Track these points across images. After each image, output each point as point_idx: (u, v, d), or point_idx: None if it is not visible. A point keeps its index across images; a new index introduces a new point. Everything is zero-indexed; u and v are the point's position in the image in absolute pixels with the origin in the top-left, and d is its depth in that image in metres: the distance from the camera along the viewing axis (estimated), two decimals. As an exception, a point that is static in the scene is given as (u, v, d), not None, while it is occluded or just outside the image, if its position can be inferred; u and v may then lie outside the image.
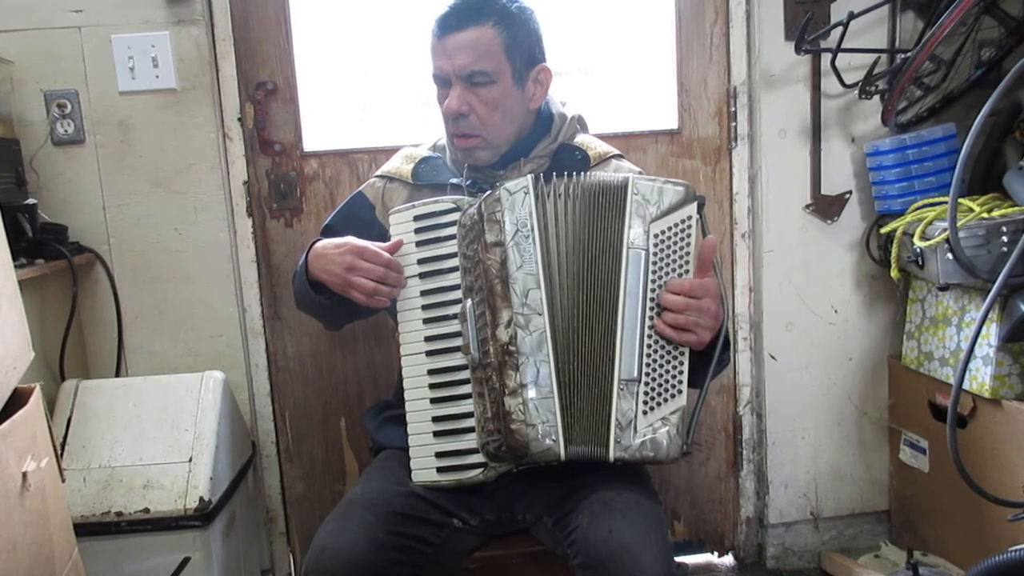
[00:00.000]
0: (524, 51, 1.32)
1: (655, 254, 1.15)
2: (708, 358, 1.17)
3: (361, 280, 1.22)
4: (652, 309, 1.14)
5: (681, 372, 1.15)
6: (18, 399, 1.03)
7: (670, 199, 1.15)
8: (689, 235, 1.15)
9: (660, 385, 1.14)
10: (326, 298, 1.31)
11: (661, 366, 1.14)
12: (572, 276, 1.17)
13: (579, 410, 1.16)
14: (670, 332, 1.13)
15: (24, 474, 0.98)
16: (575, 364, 1.16)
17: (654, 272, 1.15)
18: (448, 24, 1.28)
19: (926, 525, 1.87)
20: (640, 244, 1.14)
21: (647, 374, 1.14)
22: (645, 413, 1.13)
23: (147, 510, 1.45)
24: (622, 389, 1.13)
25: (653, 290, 1.15)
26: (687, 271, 1.15)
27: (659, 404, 1.14)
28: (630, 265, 1.14)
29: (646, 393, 1.13)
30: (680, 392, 1.15)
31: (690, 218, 1.15)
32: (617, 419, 1.13)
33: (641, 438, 1.13)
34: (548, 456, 1.13)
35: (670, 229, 1.15)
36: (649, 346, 1.14)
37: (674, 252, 1.15)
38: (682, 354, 1.15)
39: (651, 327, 1.14)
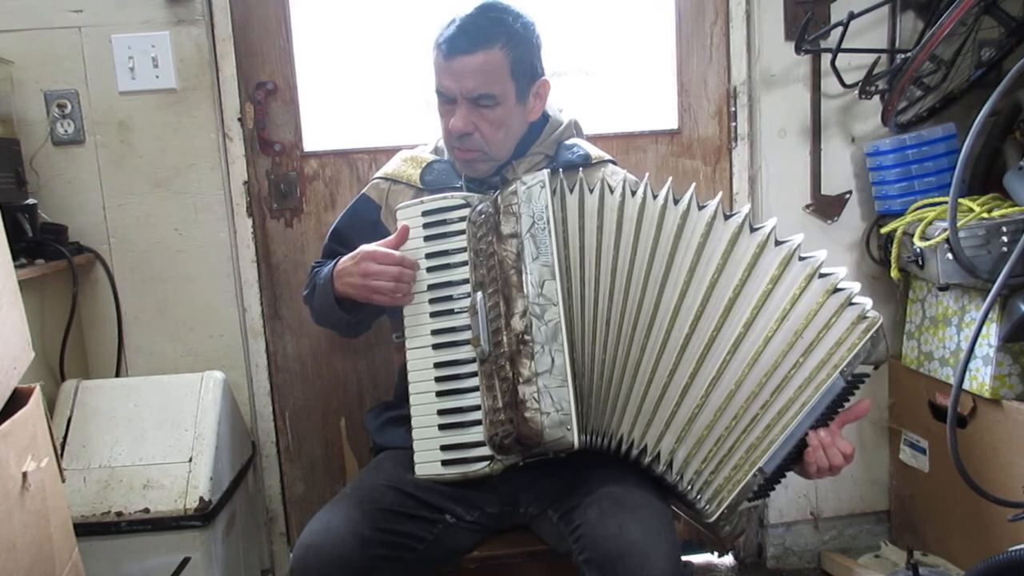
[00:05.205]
0: (527, 69, 1.32)
1: (844, 389, 1.15)
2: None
3: (380, 283, 1.24)
4: (812, 428, 1.15)
5: (779, 482, 1.19)
6: (18, 399, 1.03)
7: (880, 354, 1.15)
8: (860, 388, 1.17)
9: (766, 485, 1.17)
10: (353, 317, 1.34)
11: (779, 471, 1.17)
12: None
13: (618, 413, 1.16)
14: (814, 469, 1.15)
15: (24, 474, 0.98)
16: (595, 356, 1.16)
17: (832, 403, 1.15)
18: (456, 47, 1.27)
19: (926, 525, 1.86)
20: (848, 374, 1.14)
21: (772, 471, 1.16)
22: (749, 500, 1.16)
23: (147, 510, 1.45)
24: (755, 475, 1.14)
25: (824, 414, 1.15)
26: (836, 414, 1.17)
27: (757, 498, 1.17)
28: (830, 387, 1.14)
29: (759, 486, 1.16)
30: (769, 496, 1.20)
31: (868, 376, 1.17)
32: (740, 496, 1.15)
33: (736, 519, 1.17)
34: (561, 445, 1.12)
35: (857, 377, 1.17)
36: (789, 452, 1.16)
37: (847, 397, 1.17)
38: (793, 469, 1.19)
39: (801, 441, 1.16)
